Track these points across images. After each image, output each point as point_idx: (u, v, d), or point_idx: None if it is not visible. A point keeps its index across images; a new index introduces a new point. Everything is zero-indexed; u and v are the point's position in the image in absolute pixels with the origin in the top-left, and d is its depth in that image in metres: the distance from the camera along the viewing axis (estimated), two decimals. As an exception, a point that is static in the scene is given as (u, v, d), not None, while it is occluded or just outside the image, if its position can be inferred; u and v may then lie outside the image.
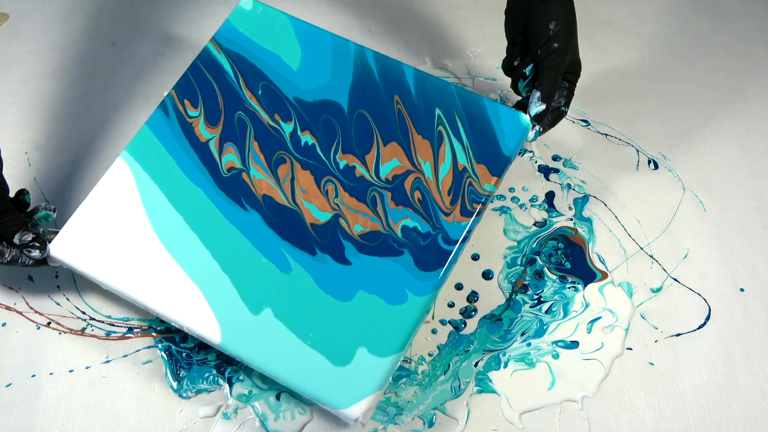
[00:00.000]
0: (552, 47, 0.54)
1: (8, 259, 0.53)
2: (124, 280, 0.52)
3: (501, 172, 0.55)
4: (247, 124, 0.57)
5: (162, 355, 0.55)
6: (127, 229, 0.53)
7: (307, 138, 0.57)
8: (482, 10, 0.74)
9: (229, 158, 0.56)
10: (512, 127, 0.56)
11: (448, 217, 0.54)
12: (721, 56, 0.72)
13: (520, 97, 0.59)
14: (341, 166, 0.55)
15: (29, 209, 0.55)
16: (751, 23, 0.74)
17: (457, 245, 0.53)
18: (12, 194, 0.54)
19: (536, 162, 0.65)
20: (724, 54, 0.72)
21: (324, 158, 0.56)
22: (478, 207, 0.54)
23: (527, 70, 0.57)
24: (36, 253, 0.52)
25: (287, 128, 0.57)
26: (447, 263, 0.52)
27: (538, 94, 0.56)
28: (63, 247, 0.53)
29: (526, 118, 0.56)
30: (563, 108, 0.58)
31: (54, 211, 0.55)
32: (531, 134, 0.57)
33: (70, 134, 0.66)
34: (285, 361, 0.49)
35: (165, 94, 0.68)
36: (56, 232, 0.54)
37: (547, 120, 0.57)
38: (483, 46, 0.72)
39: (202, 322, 0.50)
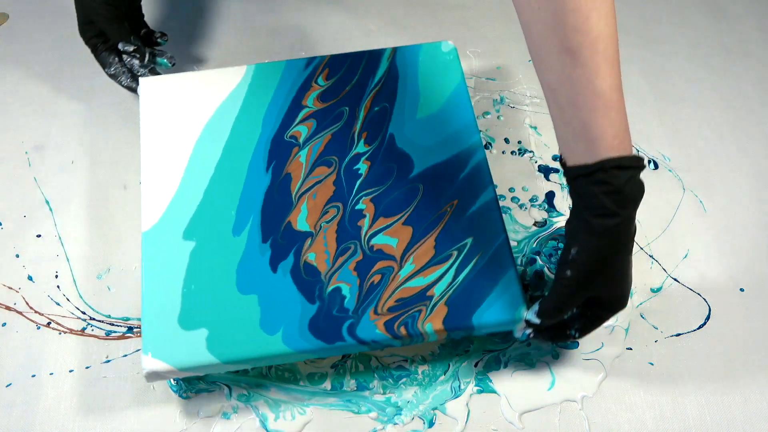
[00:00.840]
0: (563, 273, 0.46)
1: (111, 71, 0.64)
2: (148, 146, 0.57)
3: (451, 329, 0.50)
4: (342, 120, 0.59)
5: (162, 355, 0.55)
6: (191, 113, 0.59)
7: (363, 167, 0.57)
8: (482, 10, 0.75)
9: (300, 130, 0.58)
10: (504, 307, 0.51)
11: (374, 316, 0.50)
12: (721, 56, 0.72)
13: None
14: (356, 207, 0.55)
15: (157, 48, 0.65)
16: (751, 23, 0.74)
17: (352, 342, 0.50)
18: (158, 33, 0.65)
19: (536, 162, 0.65)
20: (724, 54, 0.72)
21: (354, 190, 0.56)
22: (403, 333, 0.50)
23: None
24: (136, 62, 0.63)
25: (360, 148, 0.58)
26: (329, 346, 0.50)
27: (536, 307, 0.49)
28: (148, 88, 0.60)
29: (523, 314, 0.51)
30: (573, 332, 0.50)
31: (173, 66, 0.64)
32: (519, 333, 0.51)
33: (70, 134, 0.66)
34: (157, 285, 0.52)
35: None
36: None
37: (546, 335, 0.51)
38: (483, 46, 0.72)
39: (151, 213, 0.54)
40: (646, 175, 0.64)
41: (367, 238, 0.54)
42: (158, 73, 0.64)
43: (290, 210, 0.55)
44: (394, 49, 0.62)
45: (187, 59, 0.70)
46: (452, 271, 0.52)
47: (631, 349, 0.56)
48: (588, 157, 0.43)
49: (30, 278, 0.58)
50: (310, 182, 0.56)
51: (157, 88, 0.60)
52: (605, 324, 0.56)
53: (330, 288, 0.52)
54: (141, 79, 0.61)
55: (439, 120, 0.59)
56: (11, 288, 0.58)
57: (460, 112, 0.59)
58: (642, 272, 0.59)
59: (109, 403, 0.53)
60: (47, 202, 0.62)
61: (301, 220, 0.54)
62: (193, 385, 0.54)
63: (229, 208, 0.55)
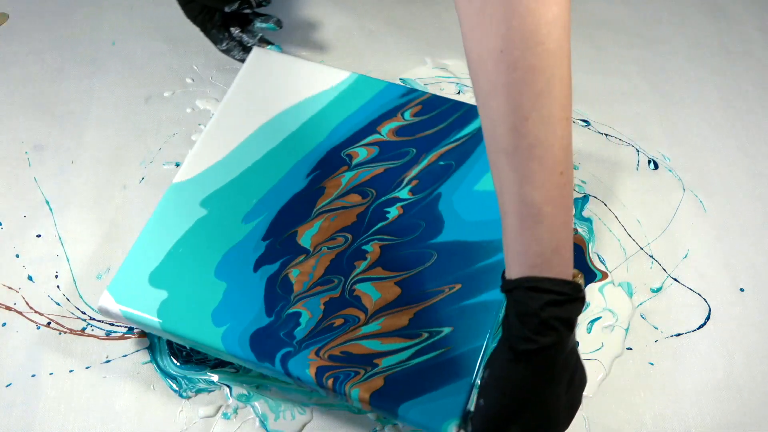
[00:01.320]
0: (478, 401, 0.41)
1: (224, 47, 0.65)
2: (225, 109, 0.59)
3: (375, 406, 0.47)
4: (402, 159, 0.57)
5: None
6: (276, 96, 0.60)
7: (393, 212, 0.54)
8: (482, 10, 0.74)
9: (359, 152, 0.57)
10: (437, 412, 0.46)
11: (313, 356, 0.48)
12: (721, 56, 0.72)
13: None
14: (363, 246, 0.53)
15: (261, 11, 0.65)
16: (751, 23, 0.74)
17: (279, 370, 0.48)
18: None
19: (536, 162, 0.64)
20: (724, 54, 0.72)
21: (372, 230, 0.54)
22: (329, 385, 0.47)
23: None
24: (245, 35, 0.64)
25: (402, 193, 0.55)
26: (257, 363, 0.49)
27: None
28: (256, 59, 0.62)
29: (452, 429, 0.46)
30: None
31: (281, 28, 0.65)
32: None
33: (70, 134, 0.66)
34: (154, 235, 0.53)
35: (165, 94, 0.68)
36: (266, 44, 0.64)
37: None
38: (483, 46, 0.72)
39: (189, 168, 0.56)
40: (646, 175, 0.64)
41: (354, 279, 0.52)
42: (270, 42, 0.65)
43: (303, 222, 0.54)
44: None
45: (185, 58, 0.70)
46: (411, 351, 0.48)
47: (631, 349, 0.56)
48: (511, 272, 0.39)
49: (30, 278, 0.58)
50: (336, 204, 0.55)
51: (263, 62, 0.61)
52: (605, 324, 0.56)
53: (291, 310, 0.50)
54: (254, 48, 0.63)
55: (494, 200, 0.55)
56: (11, 288, 0.58)
57: None
58: (642, 272, 0.59)
59: (109, 403, 0.53)
60: (47, 202, 0.62)
61: (307, 235, 0.54)
62: (193, 385, 0.54)
63: (253, 195, 0.55)
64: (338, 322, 0.50)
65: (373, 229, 0.54)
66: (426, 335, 0.49)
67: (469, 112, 0.59)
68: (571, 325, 0.39)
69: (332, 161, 0.57)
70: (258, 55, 0.62)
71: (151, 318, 0.50)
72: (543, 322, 0.37)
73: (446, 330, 0.49)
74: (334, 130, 0.58)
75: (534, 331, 0.38)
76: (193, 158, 0.57)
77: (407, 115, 0.59)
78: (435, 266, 0.52)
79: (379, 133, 0.58)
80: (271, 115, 0.59)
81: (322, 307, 0.51)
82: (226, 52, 0.65)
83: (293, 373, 0.48)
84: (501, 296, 0.48)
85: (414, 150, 0.57)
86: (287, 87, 0.60)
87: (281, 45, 0.67)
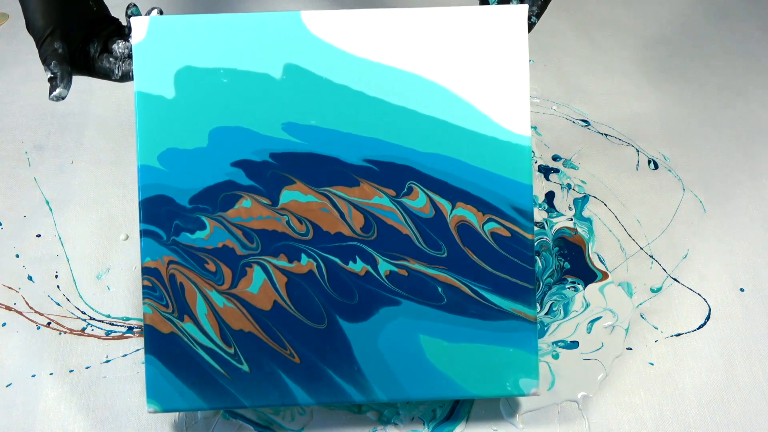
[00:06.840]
0: None
1: (118, 73, 0.53)
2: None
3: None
4: (426, 250, 0.47)
5: (162, 355, 0.55)
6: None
7: (359, 266, 0.47)
8: (482, 10, 0.75)
9: (418, 200, 0.47)
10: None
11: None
12: (721, 56, 0.72)
13: None
14: (305, 253, 0.47)
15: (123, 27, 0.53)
16: (751, 23, 0.74)
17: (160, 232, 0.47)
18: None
19: (536, 162, 0.65)
20: (724, 54, 0.72)
21: (324, 251, 0.47)
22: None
23: None
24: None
25: (381, 266, 0.47)
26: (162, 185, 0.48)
27: None
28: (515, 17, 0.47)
29: None
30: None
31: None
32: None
33: (70, 134, 0.66)
34: (220, 44, 0.47)
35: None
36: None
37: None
38: (483, 46, 0.72)
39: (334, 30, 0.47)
40: (646, 175, 0.64)
41: (259, 260, 0.47)
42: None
43: (308, 184, 0.47)
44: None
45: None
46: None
47: (631, 349, 0.56)
48: None
49: (30, 278, 0.58)
50: (342, 205, 0.47)
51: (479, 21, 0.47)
52: (605, 324, 0.56)
53: (204, 218, 0.47)
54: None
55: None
56: (11, 288, 0.58)
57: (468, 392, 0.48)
58: (642, 272, 0.59)
59: (109, 404, 0.53)
60: (47, 202, 0.62)
61: (295, 195, 0.47)
62: (193, 385, 0.54)
63: (325, 120, 0.46)
64: (210, 267, 0.47)
65: (324, 255, 0.47)
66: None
67: (521, 327, 0.48)
68: None
69: (398, 176, 0.47)
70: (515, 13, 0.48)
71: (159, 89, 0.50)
72: None
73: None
74: (453, 174, 0.47)
75: None
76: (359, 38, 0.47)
77: (489, 225, 0.47)
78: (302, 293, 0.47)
79: (457, 208, 0.47)
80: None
81: (220, 245, 0.47)
82: (120, 76, 0.54)
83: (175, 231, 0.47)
84: None
85: (444, 254, 0.47)
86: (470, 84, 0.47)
87: None
